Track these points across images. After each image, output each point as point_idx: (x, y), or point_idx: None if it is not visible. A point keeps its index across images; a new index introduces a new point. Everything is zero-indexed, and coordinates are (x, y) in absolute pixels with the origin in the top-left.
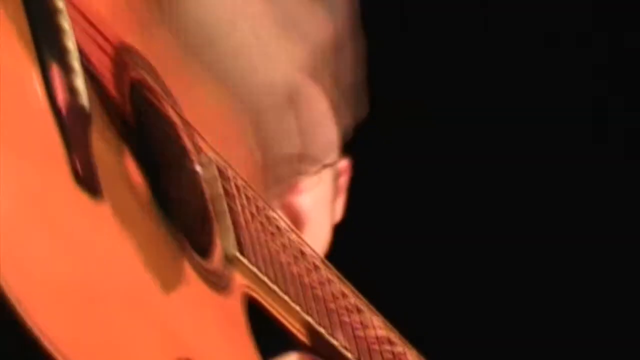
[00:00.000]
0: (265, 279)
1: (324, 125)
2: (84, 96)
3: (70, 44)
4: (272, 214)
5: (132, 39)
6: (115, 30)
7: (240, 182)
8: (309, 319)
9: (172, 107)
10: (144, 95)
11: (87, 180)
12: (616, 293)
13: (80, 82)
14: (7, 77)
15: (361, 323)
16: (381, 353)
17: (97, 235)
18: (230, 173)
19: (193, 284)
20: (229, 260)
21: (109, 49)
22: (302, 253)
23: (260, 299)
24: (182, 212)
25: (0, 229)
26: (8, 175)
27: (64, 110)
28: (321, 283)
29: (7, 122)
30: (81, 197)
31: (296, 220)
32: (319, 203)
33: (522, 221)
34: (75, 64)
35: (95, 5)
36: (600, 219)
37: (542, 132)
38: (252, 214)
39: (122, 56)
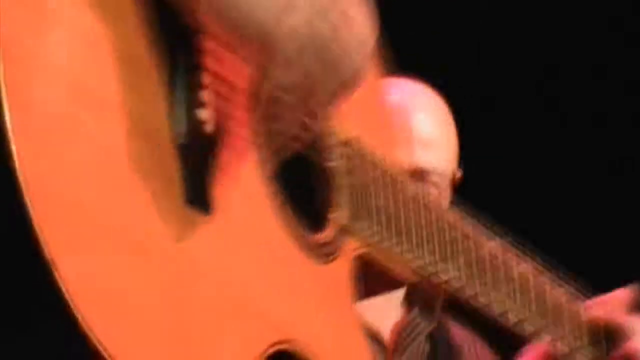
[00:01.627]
0: (383, 241)
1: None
2: (208, 124)
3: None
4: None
5: None
6: None
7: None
8: (421, 262)
9: None
10: None
11: (198, 201)
12: None
13: (204, 114)
14: (135, 109)
15: (475, 245)
16: (492, 264)
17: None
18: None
19: (294, 261)
20: (343, 228)
21: None
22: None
23: (371, 257)
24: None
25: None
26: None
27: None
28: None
29: (133, 148)
30: (190, 215)
31: None
32: None
33: None
34: (202, 95)
35: None
36: None
37: None
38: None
39: None
